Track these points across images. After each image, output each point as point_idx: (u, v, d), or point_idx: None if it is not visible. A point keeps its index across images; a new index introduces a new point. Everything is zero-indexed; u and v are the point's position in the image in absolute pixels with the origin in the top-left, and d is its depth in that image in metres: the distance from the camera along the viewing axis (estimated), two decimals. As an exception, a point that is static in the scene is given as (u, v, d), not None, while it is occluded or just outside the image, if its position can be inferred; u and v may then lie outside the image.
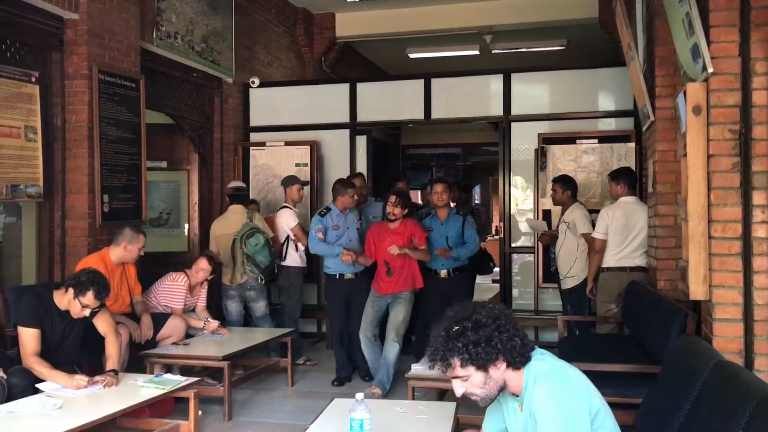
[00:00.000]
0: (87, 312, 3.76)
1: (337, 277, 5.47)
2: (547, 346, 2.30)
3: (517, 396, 2.13)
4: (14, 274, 5.12)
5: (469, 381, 2.04)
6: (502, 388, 2.09)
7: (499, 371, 2.04)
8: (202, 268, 5.14)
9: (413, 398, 3.75)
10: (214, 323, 5.12)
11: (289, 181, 6.14)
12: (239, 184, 6.26)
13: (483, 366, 2.01)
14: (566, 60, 9.54)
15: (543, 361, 2.09)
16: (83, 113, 5.08)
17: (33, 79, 4.83)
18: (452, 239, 5.51)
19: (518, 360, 2.05)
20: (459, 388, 2.07)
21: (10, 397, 3.46)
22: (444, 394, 4.39)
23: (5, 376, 3.56)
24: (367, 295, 5.36)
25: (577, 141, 6.44)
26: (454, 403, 3.18)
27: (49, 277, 5.03)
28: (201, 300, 5.33)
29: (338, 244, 5.41)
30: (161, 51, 6.06)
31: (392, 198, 5.33)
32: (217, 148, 7.21)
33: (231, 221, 5.75)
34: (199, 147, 7.02)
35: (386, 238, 5.29)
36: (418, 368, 3.96)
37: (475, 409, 4.34)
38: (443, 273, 5.54)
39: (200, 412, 3.88)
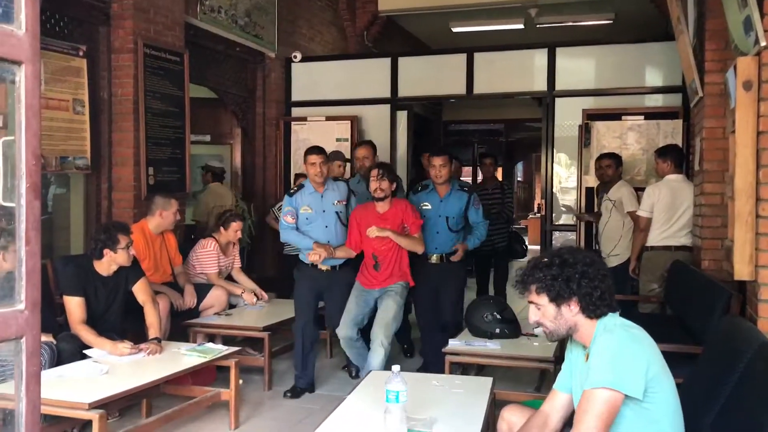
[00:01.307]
0: (133, 251, 3.97)
1: (310, 265, 4.49)
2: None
3: (585, 347, 2.18)
4: (63, 244, 5.27)
5: (542, 311, 2.17)
6: (572, 332, 2.17)
7: (571, 312, 2.13)
8: (236, 229, 5.27)
9: (450, 372, 3.76)
10: (251, 296, 5.20)
11: (332, 156, 6.18)
12: (220, 164, 6.97)
13: (555, 300, 2.13)
14: (613, 34, 9.31)
15: (616, 318, 2.16)
16: (129, 87, 5.17)
17: (80, 53, 4.93)
18: (452, 221, 4.71)
19: (591, 309, 2.12)
20: (532, 315, 2.21)
21: (59, 361, 3.58)
22: (481, 370, 4.41)
23: (55, 342, 3.69)
24: (345, 291, 4.52)
25: (623, 117, 6.30)
26: (491, 378, 3.18)
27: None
28: (237, 261, 5.43)
29: (308, 233, 4.47)
30: (205, 25, 6.11)
31: (375, 171, 4.43)
32: (259, 122, 7.27)
33: (222, 196, 6.53)
34: (241, 121, 7.09)
35: (372, 224, 4.38)
36: (455, 343, 3.97)
37: (512, 384, 4.37)
38: (434, 258, 4.71)
39: (241, 381, 3.96)
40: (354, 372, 4.79)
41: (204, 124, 6.92)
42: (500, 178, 7.63)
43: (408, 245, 4.42)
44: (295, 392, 4.48)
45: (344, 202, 4.63)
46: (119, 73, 5.18)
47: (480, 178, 8.55)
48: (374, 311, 4.48)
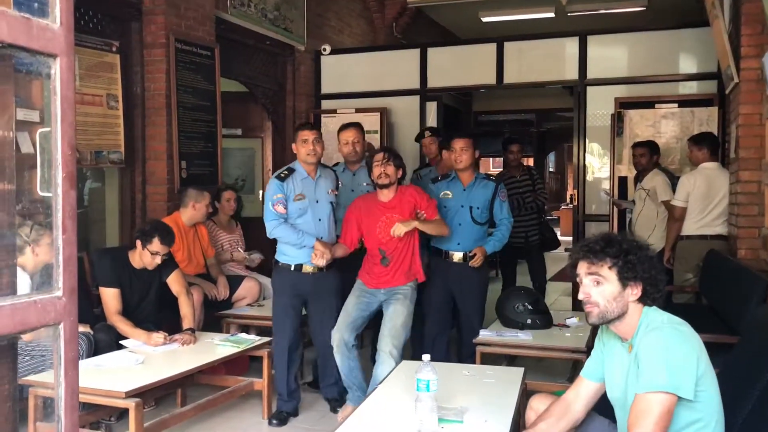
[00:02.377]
0: (158, 259, 3.94)
1: (292, 268, 3.91)
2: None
3: (623, 340, 2.15)
4: (99, 236, 5.38)
5: (601, 287, 2.09)
6: (617, 319, 2.10)
7: (632, 295, 2.09)
8: (228, 198, 5.29)
9: (481, 362, 3.75)
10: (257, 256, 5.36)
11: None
12: None
13: (623, 279, 2.07)
14: (646, 21, 9.16)
15: (660, 313, 2.11)
16: (161, 81, 5.24)
17: (114, 49, 5.01)
18: (477, 212, 4.24)
19: (650, 295, 2.10)
20: (586, 289, 2.11)
21: (96, 351, 3.66)
22: (513, 360, 4.39)
23: (92, 332, 3.77)
24: (333, 298, 4.01)
25: (656, 105, 6.20)
26: (522, 369, 3.17)
27: (130, 240, 5.26)
28: (241, 242, 5.45)
29: (299, 225, 3.87)
30: (235, 19, 6.15)
31: (379, 155, 3.92)
32: (289, 115, 7.31)
33: None
34: (272, 115, 7.13)
35: (378, 215, 3.92)
36: (486, 334, 3.96)
37: (544, 375, 4.35)
38: (457, 257, 4.26)
39: (273, 371, 4.00)
40: (334, 405, 4.11)
41: (235, 117, 6.98)
42: (528, 165, 7.23)
43: (436, 230, 4.00)
44: (281, 418, 3.91)
45: (336, 192, 4.10)
46: (151, 68, 5.25)
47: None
48: (375, 316, 4.05)
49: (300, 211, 3.88)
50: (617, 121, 6.27)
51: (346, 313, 3.94)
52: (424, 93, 7.15)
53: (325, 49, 7.39)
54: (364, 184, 4.46)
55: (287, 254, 3.93)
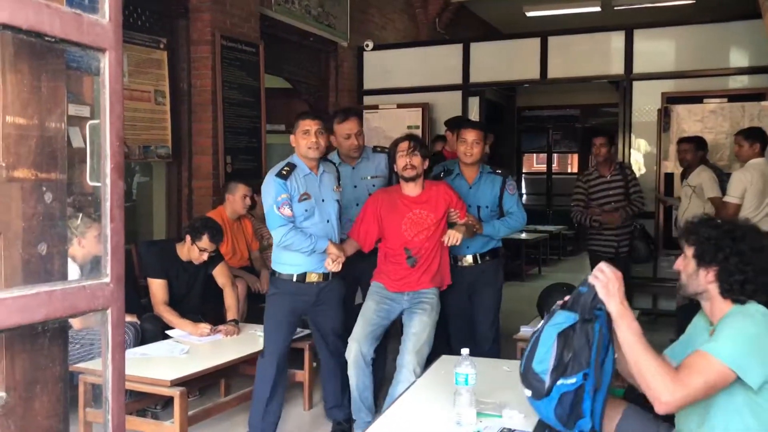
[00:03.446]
0: (205, 256, 4.01)
1: (294, 279, 3.43)
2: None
3: (711, 324, 2.13)
4: (146, 229, 5.51)
5: (686, 261, 2.14)
6: (701, 298, 2.13)
7: (706, 279, 2.07)
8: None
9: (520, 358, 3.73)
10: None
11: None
12: None
13: (697, 258, 2.09)
14: (694, 14, 8.95)
15: (758, 306, 2.04)
16: (207, 78, 5.33)
17: (161, 46, 5.11)
18: (486, 211, 3.90)
19: (725, 287, 2.05)
20: (678, 262, 2.18)
21: (143, 340, 3.76)
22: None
23: (139, 322, 3.87)
24: (339, 309, 3.59)
25: (705, 100, 6.07)
26: (562, 365, 3.14)
27: (177, 233, 5.38)
28: (254, 243, 5.15)
29: (306, 230, 3.37)
30: (279, 16, 6.22)
31: (404, 144, 3.50)
32: (332, 111, 7.36)
33: None
34: (315, 111, 7.19)
35: (404, 211, 3.52)
36: (527, 329, 3.94)
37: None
38: (467, 260, 3.93)
39: (314, 364, 4.05)
40: None
41: (279, 113, 7.06)
42: (620, 162, 5.83)
43: (477, 231, 3.68)
44: None
45: (340, 189, 3.62)
46: (198, 65, 5.35)
47: (576, 165, 8.13)
48: (394, 326, 3.65)
49: (306, 213, 3.38)
50: (664, 116, 6.15)
51: (364, 321, 3.50)
52: (467, 88, 7.13)
53: (367, 45, 7.42)
54: (369, 177, 4.00)
55: (288, 263, 3.43)
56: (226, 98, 5.44)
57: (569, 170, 16.08)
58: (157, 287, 3.97)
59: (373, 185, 3.97)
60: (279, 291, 3.48)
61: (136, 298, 4.19)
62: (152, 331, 3.85)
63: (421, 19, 8.87)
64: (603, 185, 5.43)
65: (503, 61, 7.06)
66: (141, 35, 4.95)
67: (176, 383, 3.14)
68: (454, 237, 3.38)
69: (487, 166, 4.03)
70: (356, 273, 3.84)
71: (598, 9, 9.04)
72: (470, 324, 4.02)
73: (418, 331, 3.42)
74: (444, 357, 3.25)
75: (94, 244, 3.25)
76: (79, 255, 3.27)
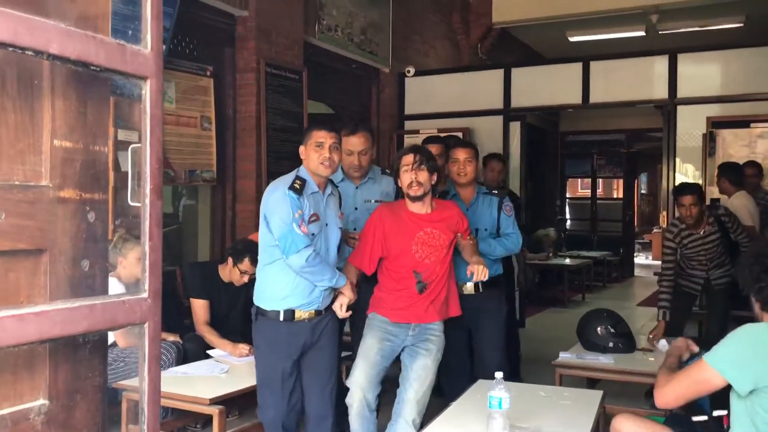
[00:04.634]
0: (246, 278, 4.09)
1: (281, 317, 2.96)
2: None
3: None
4: (191, 250, 5.64)
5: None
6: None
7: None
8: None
9: (560, 385, 3.69)
10: None
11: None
12: None
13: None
14: (742, 38, 8.82)
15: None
16: (252, 104, 5.47)
17: (208, 73, 5.27)
18: (484, 233, 3.65)
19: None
20: None
21: (185, 359, 3.85)
22: (595, 384, 4.29)
23: (181, 342, 3.96)
24: (334, 348, 3.14)
25: (752, 125, 5.97)
26: (601, 392, 3.11)
27: (220, 255, 5.49)
28: None
29: (313, 253, 2.86)
30: (322, 44, 6.35)
31: (408, 158, 3.06)
32: (374, 136, 7.44)
33: None
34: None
35: (414, 229, 3.08)
36: (566, 356, 3.90)
37: (626, 401, 4.23)
38: (468, 288, 3.58)
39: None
40: None
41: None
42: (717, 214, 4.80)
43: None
44: None
45: (343, 216, 3.21)
46: (243, 91, 5.49)
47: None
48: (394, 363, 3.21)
49: (313, 238, 2.91)
50: (709, 141, 6.06)
51: (366, 363, 3.08)
52: (508, 113, 7.14)
53: (409, 71, 7.51)
54: (373, 200, 3.59)
55: (273, 296, 2.97)
56: (269, 124, 5.56)
57: (614, 195, 15.88)
58: (200, 307, 4.06)
59: None
60: (265, 340, 3.00)
61: (179, 318, 4.29)
62: (194, 350, 3.93)
63: (463, 44, 8.93)
64: (696, 242, 4.66)
65: (545, 85, 7.07)
66: (188, 63, 5.11)
67: (215, 402, 3.19)
68: (483, 271, 2.93)
69: (482, 187, 3.85)
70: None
71: (642, 33, 8.99)
72: (465, 362, 3.71)
73: (421, 376, 3.05)
74: (480, 381, 3.24)
75: (134, 265, 3.35)
76: (123, 274, 3.37)
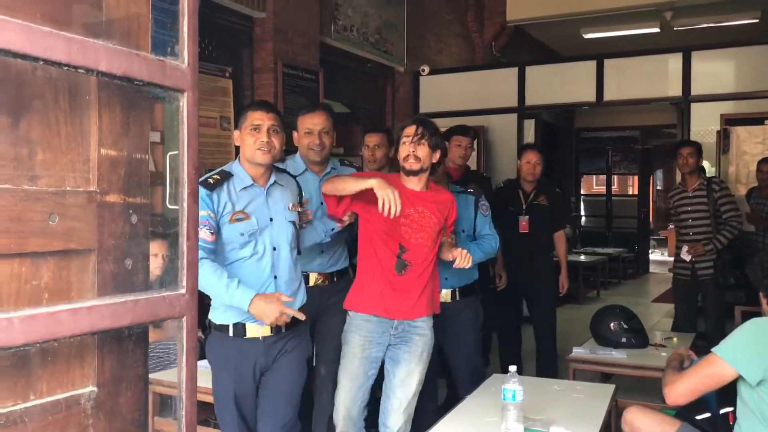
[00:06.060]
0: None
1: (231, 331, 2.57)
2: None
3: None
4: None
5: None
6: None
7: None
8: None
9: (573, 379, 3.76)
10: None
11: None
12: None
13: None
14: (757, 34, 8.81)
15: None
16: (269, 104, 5.56)
17: (227, 74, 5.37)
18: (462, 236, 3.41)
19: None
20: None
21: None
22: (608, 378, 4.35)
23: (203, 337, 4.07)
24: (300, 372, 2.69)
25: (766, 121, 6.01)
26: (613, 385, 3.18)
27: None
28: None
29: (238, 270, 2.52)
30: (338, 44, 6.44)
31: (410, 129, 2.81)
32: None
33: None
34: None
35: (405, 204, 2.70)
36: (579, 351, 3.96)
37: (638, 396, 4.29)
38: (444, 295, 3.30)
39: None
40: None
41: (337, 137, 7.24)
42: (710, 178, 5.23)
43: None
44: None
45: (298, 208, 2.74)
46: (261, 92, 5.59)
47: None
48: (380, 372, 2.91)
49: (242, 239, 2.53)
50: (723, 138, 6.09)
51: (350, 381, 2.82)
52: (523, 110, 7.20)
53: (423, 70, 7.58)
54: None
55: (221, 306, 2.57)
56: (286, 124, 5.64)
57: (629, 192, 15.85)
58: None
59: None
60: (214, 357, 2.66)
61: (201, 315, 4.39)
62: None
63: (477, 43, 8.99)
64: (684, 201, 4.93)
65: (559, 83, 7.12)
66: (208, 64, 5.21)
67: (238, 395, 3.28)
68: (466, 258, 2.74)
69: (456, 186, 3.54)
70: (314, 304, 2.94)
71: (657, 30, 9.00)
72: (434, 377, 3.41)
73: (405, 383, 2.81)
74: (495, 375, 3.31)
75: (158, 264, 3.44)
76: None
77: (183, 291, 1.17)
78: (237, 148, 2.77)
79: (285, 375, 2.64)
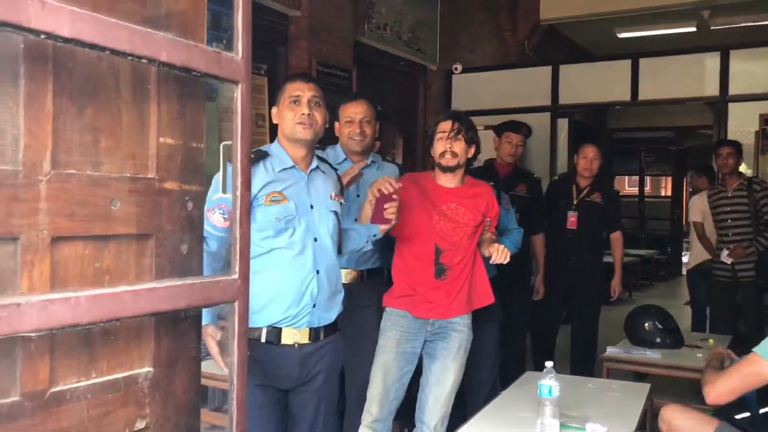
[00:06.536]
0: None
1: (264, 337, 2.21)
2: None
3: None
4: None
5: None
6: None
7: None
8: None
9: (607, 377, 3.75)
10: None
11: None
12: None
13: None
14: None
15: None
16: (303, 102, 5.61)
17: (262, 72, 5.43)
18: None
19: None
20: None
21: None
22: (642, 379, 4.32)
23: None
24: (332, 390, 2.44)
25: (807, 122, 5.89)
26: (648, 384, 3.16)
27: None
28: None
29: (265, 269, 2.19)
30: (372, 42, 6.47)
31: (446, 124, 2.75)
32: (420, 133, 7.54)
33: None
34: (404, 133, 7.40)
35: (437, 202, 2.76)
36: (613, 350, 3.94)
37: (673, 397, 4.25)
38: None
39: None
40: None
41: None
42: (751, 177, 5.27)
43: None
44: None
45: (341, 199, 2.47)
46: (295, 90, 5.64)
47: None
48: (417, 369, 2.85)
49: (278, 225, 2.21)
50: (762, 138, 5.99)
51: (384, 387, 2.76)
52: (556, 110, 7.16)
53: (456, 68, 7.58)
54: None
55: (254, 308, 2.07)
56: (321, 120, 5.70)
57: (662, 193, 15.67)
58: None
59: None
60: (250, 369, 1.84)
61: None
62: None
63: (510, 41, 8.95)
64: (723, 201, 4.88)
65: (593, 82, 7.07)
66: (244, 62, 5.28)
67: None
68: (503, 253, 2.59)
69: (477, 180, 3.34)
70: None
71: (693, 29, 8.87)
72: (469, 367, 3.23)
73: (441, 379, 2.79)
74: (528, 373, 3.31)
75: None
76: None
77: (235, 276, 1.21)
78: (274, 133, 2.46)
79: (322, 396, 2.33)
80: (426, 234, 2.74)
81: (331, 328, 2.34)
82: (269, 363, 2.19)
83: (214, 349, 2.14)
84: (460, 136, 2.73)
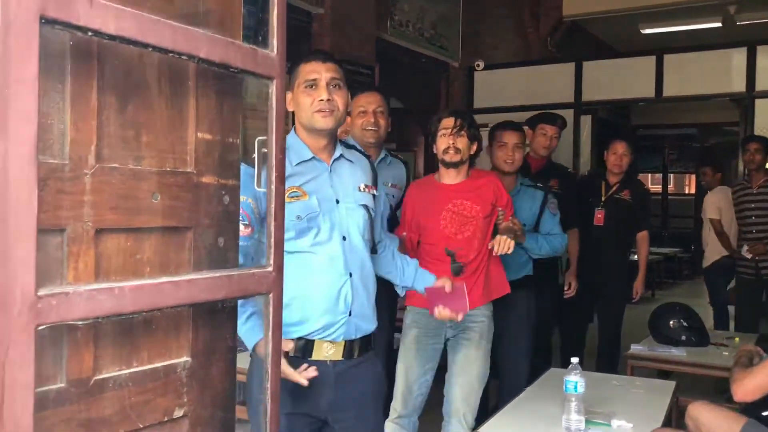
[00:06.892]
0: None
1: (294, 350, 1.90)
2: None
3: None
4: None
5: None
6: None
7: None
8: None
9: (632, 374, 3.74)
10: None
11: None
12: None
13: None
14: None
15: None
16: (326, 98, 5.64)
17: (286, 68, 5.47)
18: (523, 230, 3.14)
19: None
20: None
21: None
22: (667, 376, 4.30)
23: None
24: (373, 408, 2.12)
25: (836, 118, 5.81)
26: (674, 382, 3.15)
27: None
28: None
29: (300, 269, 1.96)
30: (394, 39, 6.48)
31: (448, 121, 2.81)
32: (442, 129, 7.55)
33: None
34: (425, 129, 7.40)
35: (442, 203, 2.84)
36: (637, 348, 3.93)
37: (698, 395, 4.23)
38: None
39: None
40: None
41: (391, 132, 7.29)
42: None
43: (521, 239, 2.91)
44: None
45: (373, 191, 2.18)
46: (318, 86, 5.67)
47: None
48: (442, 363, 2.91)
49: (299, 225, 1.97)
50: (789, 135, 5.92)
51: (407, 387, 2.82)
52: (579, 106, 7.12)
53: (478, 65, 7.57)
54: (389, 185, 3.18)
55: (287, 318, 1.67)
56: (343, 117, 5.73)
57: (686, 191, 15.53)
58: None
59: (392, 196, 3.20)
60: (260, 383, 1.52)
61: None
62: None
63: (532, 38, 8.91)
64: (748, 197, 4.92)
65: (617, 79, 7.02)
66: (268, 59, 5.32)
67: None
68: (505, 243, 2.58)
69: (526, 179, 3.51)
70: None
71: (719, 25, 8.77)
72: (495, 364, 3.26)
73: (465, 369, 2.80)
74: (553, 369, 3.31)
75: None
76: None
77: (270, 269, 1.23)
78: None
79: (360, 398, 2.03)
80: (436, 236, 2.84)
81: (365, 345, 2.06)
82: (297, 384, 1.82)
83: (288, 368, 1.79)
84: (463, 132, 2.80)
